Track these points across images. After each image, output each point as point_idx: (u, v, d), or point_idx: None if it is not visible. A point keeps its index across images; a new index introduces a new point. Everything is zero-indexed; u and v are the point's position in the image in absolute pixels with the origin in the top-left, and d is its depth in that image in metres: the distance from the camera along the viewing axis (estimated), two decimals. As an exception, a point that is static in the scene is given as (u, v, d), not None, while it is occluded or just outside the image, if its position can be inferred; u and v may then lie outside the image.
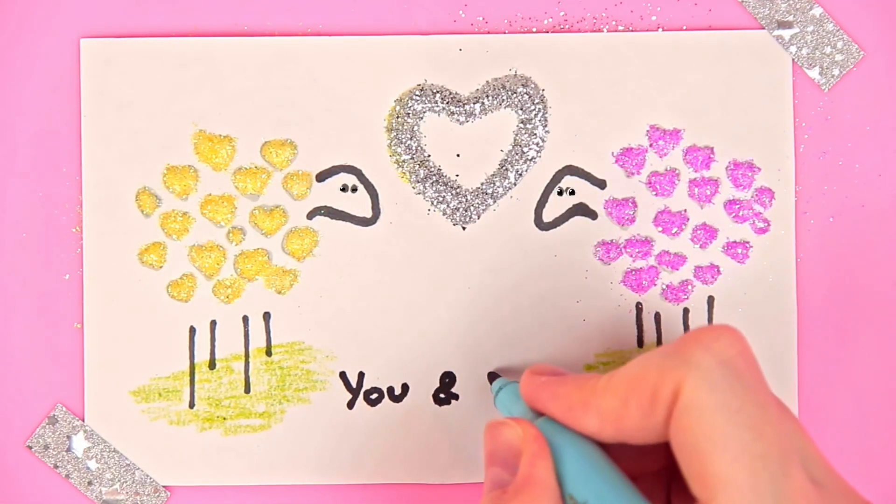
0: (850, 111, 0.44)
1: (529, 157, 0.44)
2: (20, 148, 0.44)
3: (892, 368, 0.44)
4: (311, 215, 0.44)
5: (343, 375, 0.44)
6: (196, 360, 0.44)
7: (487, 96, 0.43)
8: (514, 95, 0.43)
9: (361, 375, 0.44)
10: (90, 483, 0.44)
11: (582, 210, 0.44)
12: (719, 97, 0.43)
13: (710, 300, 0.44)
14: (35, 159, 0.44)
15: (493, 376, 0.43)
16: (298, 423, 0.44)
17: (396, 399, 0.44)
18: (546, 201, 0.44)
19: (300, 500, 0.44)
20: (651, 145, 0.44)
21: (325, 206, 0.44)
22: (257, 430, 0.44)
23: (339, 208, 0.44)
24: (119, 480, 0.43)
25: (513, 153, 0.44)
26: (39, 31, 0.44)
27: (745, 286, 0.44)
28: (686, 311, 0.44)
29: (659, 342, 0.44)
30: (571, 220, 0.44)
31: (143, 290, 0.44)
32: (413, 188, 0.44)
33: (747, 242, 0.44)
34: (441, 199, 0.44)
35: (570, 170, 0.44)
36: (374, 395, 0.44)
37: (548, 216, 0.44)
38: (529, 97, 0.43)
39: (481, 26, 0.44)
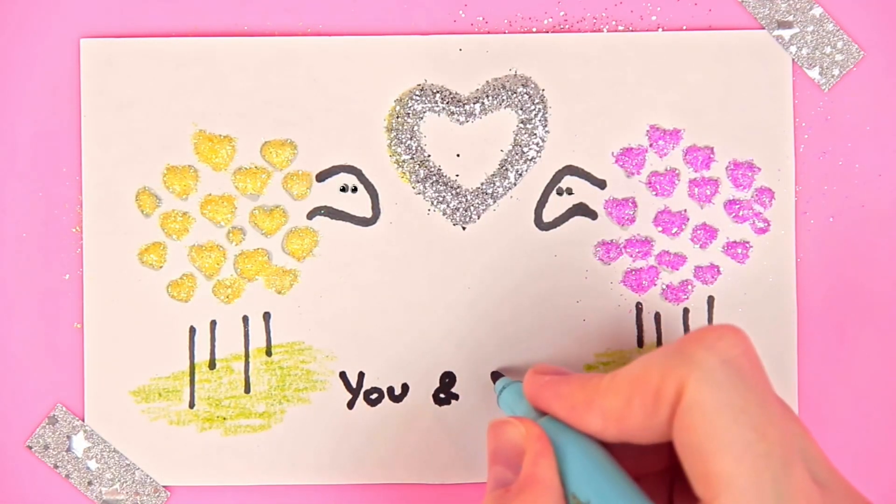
0: (850, 111, 0.44)
1: (529, 157, 0.44)
2: (20, 148, 0.44)
3: (892, 368, 0.44)
4: (311, 215, 0.44)
5: (343, 375, 0.44)
6: (196, 360, 0.44)
7: (487, 96, 0.43)
8: (514, 95, 0.43)
9: (361, 375, 0.44)
10: (90, 483, 0.44)
11: (582, 210, 0.44)
12: (719, 97, 0.43)
13: (710, 300, 0.44)
14: (35, 159, 0.44)
15: (496, 376, 0.43)
16: (298, 423, 0.44)
17: (396, 399, 0.44)
18: (546, 201, 0.44)
19: (300, 500, 0.44)
20: (651, 145, 0.44)
21: (325, 206, 0.44)
22: (257, 430, 0.44)
23: (339, 208, 0.44)
24: (119, 480, 0.43)
25: (513, 153, 0.44)
26: (39, 31, 0.44)
27: (745, 286, 0.44)
28: (686, 311, 0.44)
29: (659, 342, 0.44)
30: (571, 220, 0.44)
31: (143, 290, 0.44)
32: (413, 188, 0.44)
33: (747, 242, 0.44)
34: (441, 199, 0.44)
35: (570, 170, 0.44)
36: (374, 395, 0.44)
37: (548, 216, 0.44)
38: (529, 97, 0.43)
39: (481, 26, 0.44)
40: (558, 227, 0.44)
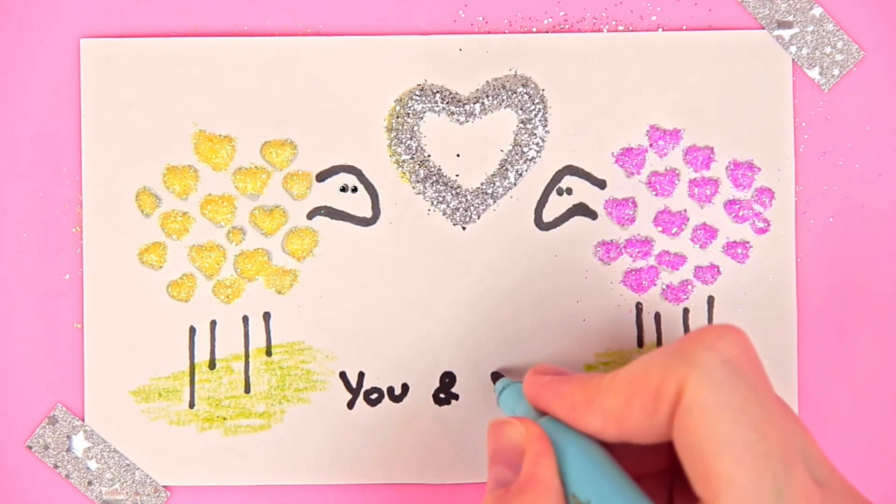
0: (850, 111, 0.44)
1: (529, 157, 0.44)
2: (20, 148, 0.44)
3: (891, 368, 0.44)
4: (311, 215, 0.44)
5: (343, 375, 0.44)
6: (196, 360, 0.44)
7: (487, 96, 0.43)
8: (514, 95, 0.43)
9: (361, 375, 0.44)
10: (90, 483, 0.44)
11: (582, 210, 0.44)
12: (719, 97, 0.43)
13: (710, 300, 0.44)
14: (35, 159, 0.44)
15: (496, 376, 0.43)
16: (298, 423, 0.44)
17: (396, 399, 0.44)
18: (546, 201, 0.44)
19: (300, 500, 0.44)
20: (651, 145, 0.44)
21: (325, 206, 0.44)
22: (257, 430, 0.44)
23: (339, 208, 0.44)
24: (119, 480, 0.43)
25: (513, 153, 0.44)
26: (39, 31, 0.44)
27: (745, 286, 0.44)
28: (686, 311, 0.44)
29: (659, 342, 0.44)
30: (571, 220, 0.44)
31: (143, 290, 0.44)
32: (413, 188, 0.44)
33: (747, 242, 0.44)
34: (441, 199, 0.44)
35: (570, 170, 0.44)
36: (374, 395, 0.44)
37: (548, 216, 0.44)
38: (529, 97, 0.43)
39: (481, 26, 0.44)
40: (558, 227, 0.44)
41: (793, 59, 0.44)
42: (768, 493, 0.27)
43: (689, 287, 0.44)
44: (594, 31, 0.44)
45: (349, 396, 0.44)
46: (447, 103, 0.43)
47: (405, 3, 0.44)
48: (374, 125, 0.44)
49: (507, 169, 0.44)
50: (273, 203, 0.44)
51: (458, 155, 0.44)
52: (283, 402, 0.43)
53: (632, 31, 0.44)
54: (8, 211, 0.44)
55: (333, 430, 0.44)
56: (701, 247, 0.44)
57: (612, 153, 0.44)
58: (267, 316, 0.44)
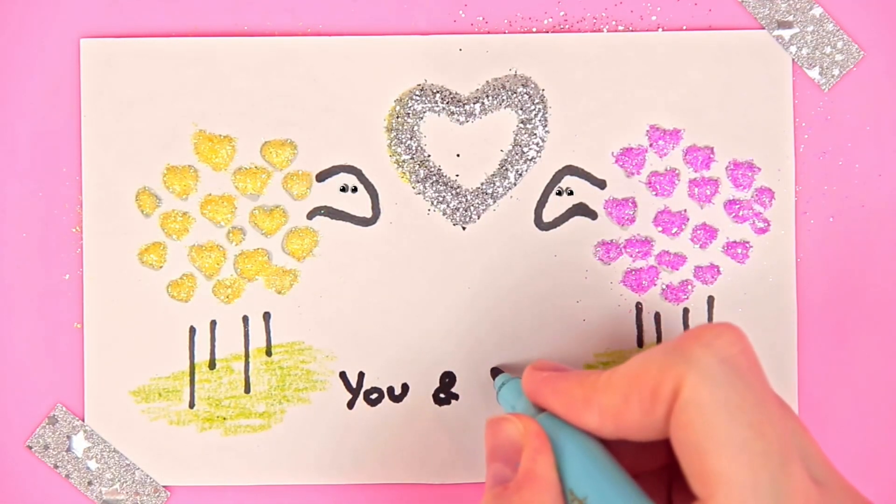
0: (850, 111, 0.44)
1: (529, 157, 0.44)
2: (20, 148, 0.44)
3: (891, 368, 0.44)
4: (311, 215, 0.44)
5: (343, 375, 0.44)
6: (196, 360, 0.44)
7: (487, 96, 0.43)
8: (514, 95, 0.43)
9: (361, 375, 0.44)
10: (90, 483, 0.44)
11: (582, 210, 0.44)
12: (719, 97, 0.43)
13: (710, 300, 0.44)
14: (35, 159, 0.44)
15: (495, 372, 0.43)
16: (298, 423, 0.44)
17: (396, 399, 0.44)
18: (546, 201, 0.44)
19: (300, 500, 0.44)
20: (651, 145, 0.44)
21: (325, 206, 0.44)
22: (257, 430, 0.44)
23: (339, 208, 0.44)
24: (119, 480, 0.43)
25: (513, 153, 0.44)
26: (39, 31, 0.44)
27: (745, 286, 0.44)
28: (686, 311, 0.44)
29: (659, 342, 0.44)
30: (571, 220, 0.44)
31: (143, 290, 0.44)
32: (413, 188, 0.44)
33: (747, 242, 0.44)
34: (441, 199, 0.44)
35: (570, 170, 0.44)
36: (374, 395, 0.44)
37: (548, 216, 0.44)
38: (529, 97, 0.43)
39: (481, 26, 0.44)
40: (558, 227, 0.44)
41: (793, 59, 0.44)
42: (765, 491, 0.27)
43: (689, 287, 0.44)
44: (594, 31, 0.44)
45: (349, 396, 0.44)
46: (447, 103, 0.44)
47: (405, 3, 0.44)
48: (374, 125, 0.44)
49: (507, 169, 0.44)
50: (273, 203, 0.44)
51: (458, 155, 0.44)
52: (283, 402, 0.43)
53: (632, 31, 0.44)
54: (8, 211, 0.44)
55: (333, 430, 0.44)
56: (701, 247, 0.44)
57: (612, 153, 0.44)
58: (267, 316, 0.44)
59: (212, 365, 0.44)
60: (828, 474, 0.31)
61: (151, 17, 0.44)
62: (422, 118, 0.44)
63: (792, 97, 0.44)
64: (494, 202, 0.44)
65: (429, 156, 0.44)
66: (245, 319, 0.44)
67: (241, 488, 0.44)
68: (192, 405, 0.44)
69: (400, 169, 0.44)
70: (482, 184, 0.44)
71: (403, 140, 0.44)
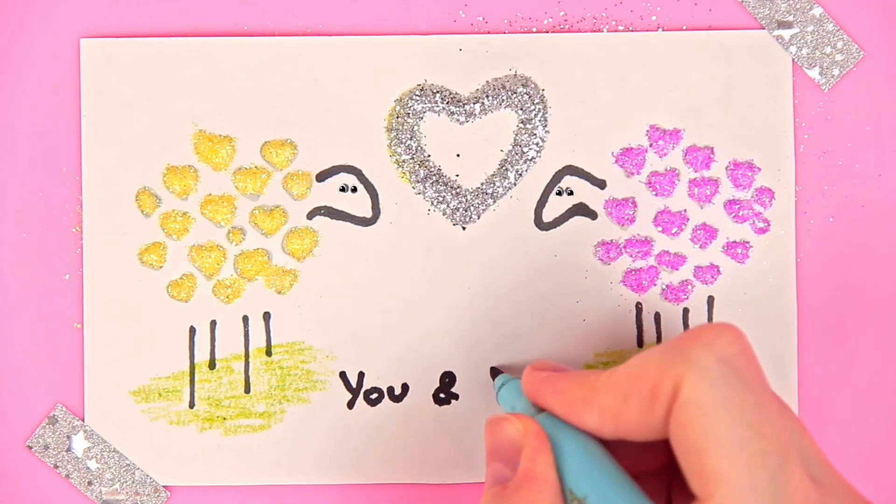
0: (850, 111, 0.44)
1: (529, 157, 0.44)
2: (20, 148, 0.44)
3: (891, 368, 0.44)
4: (311, 215, 0.44)
5: (343, 375, 0.44)
6: (196, 360, 0.44)
7: (487, 96, 0.43)
8: (514, 95, 0.43)
9: (361, 375, 0.44)
10: (90, 483, 0.44)
11: (582, 210, 0.44)
12: (719, 97, 0.43)
13: (710, 300, 0.44)
14: (35, 159, 0.44)
15: (495, 372, 0.43)
16: (298, 423, 0.44)
17: (396, 399, 0.44)
18: (546, 201, 0.44)
19: (300, 500, 0.44)
20: (651, 145, 0.44)
21: (325, 206, 0.44)
22: (257, 430, 0.44)
23: (339, 208, 0.44)
24: (119, 480, 0.43)
25: (513, 153, 0.44)
26: (39, 31, 0.44)
27: (745, 286, 0.44)
28: (686, 311, 0.44)
29: (659, 342, 0.44)
30: (571, 220, 0.44)
31: (143, 290, 0.44)
32: (413, 188, 0.44)
33: (747, 242, 0.44)
34: (441, 199, 0.44)
35: (570, 170, 0.44)
36: (374, 395, 0.44)
37: (548, 216, 0.44)
38: (529, 97, 0.43)
39: (481, 26, 0.44)
40: (558, 227, 0.44)
41: (793, 59, 0.44)
42: (764, 490, 0.27)
43: (689, 287, 0.44)
44: (594, 31, 0.44)
45: (349, 396, 0.44)
46: (447, 103, 0.44)
47: (405, 3, 0.44)
48: (374, 125, 0.44)
49: (507, 169, 0.44)
50: (273, 203, 0.44)
51: (458, 155, 0.44)
52: (283, 402, 0.43)
53: (632, 31, 0.44)
54: (8, 211, 0.44)
55: (333, 429, 0.44)
56: (701, 247, 0.44)
57: (612, 153, 0.44)
58: (267, 316, 0.44)
59: (212, 365, 0.44)
60: (827, 474, 0.31)
61: (151, 17, 0.44)
62: (422, 118, 0.44)
63: (792, 97, 0.44)
64: (494, 202, 0.44)
65: (429, 156, 0.44)
66: (245, 319, 0.44)
67: (241, 488, 0.44)
68: (192, 405, 0.44)
69: (400, 169, 0.44)
70: (482, 184, 0.44)
71: (403, 140, 0.44)
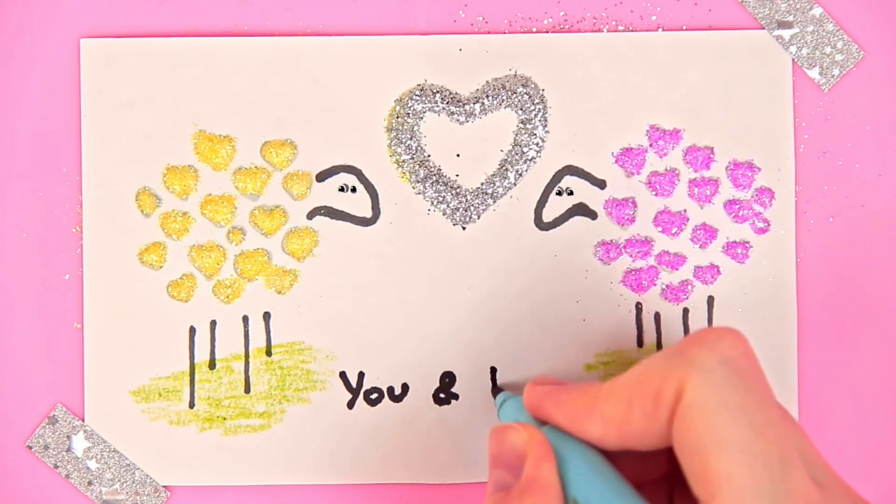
0: (850, 111, 0.44)
1: (529, 157, 0.44)
2: (20, 148, 0.44)
3: (892, 369, 0.44)
4: (311, 215, 0.44)
5: (343, 375, 0.44)
6: (196, 360, 0.44)
7: (487, 96, 0.43)
8: (514, 95, 0.43)
9: (361, 375, 0.44)
10: (90, 483, 0.44)
11: (582, 210, 0.44)
12: (719, 97, 0.43)
13: (710, 300, 0.44)
14: (35, 159, 0.44)
15: (496, 391, 0.43)
16: (298, 423, 0.44)
17: (396, 399, 0.44)
18: (546, 201, 0.44)
19: (300, 500, 0.44)
20: (651, 145, 0.44)
21: (325, 206, 0.44)
22: (257, 430, 0.44)
23: (339, 208, 0.44)
24: (119, 480, 0.43)
25: (513, 153, 0.44)
26: (39, 31, 0.44)
27: (745, 286, 0.44)
28: (686, 311, 0.44)
29: (659, 342, 0.44)
30: (571, 220, 0.44)
31: (143, 290, 0.44)
32: (413, 188, 0.44)
33: (747, 242, 0.44)
34: (441, 199, 0.44)
35: (570, 170, 0.44)
36: (374, 395, 0.44)
37: (548, 216, 0.44)
38: (529, 97, 0.43)
39: (481, 26, 0.44)
40: (558, 227, 0.44)
41: (793, 59, 0.44)
42: (765, 492, 0.27)
43: (689, 287, 0.44)
44: (594, 31, 0.44)
45: (349, 396, 0.44)
46: (447, 103, 0.43)
47: (405, 3, 0.44)
48: (374, 125, 0.44)
49: (507, 169, 0.44)
50: (273, 203, 0.44)
51: (458, 155, 0.44)
52: (283, 402, 0.43)
53: (632, 31, 0.44)
54: (8, 211, 0.44)
55: (333, 430, 0.44)
56: (701, 247, 0.44)
57: (612, 153, 0.44)
58: (267, 316, 0.44)
59: (212, 365, 0.44)
60: (828, 478, 0.31)
61: (151, 17, 0.44)
62: (422, 118, 0.44)
63: (792, 97, 0.44)
64: (494, 202, 0.44)
65: (429, 156, 0.44)
66: (245, 319, 0.44)
67: (241, 488, 0.44)
68: (192, 405, 0.44)
69: (400, 169, 0.44)
70: (482, 184, 0.44)
71: (403, 140, 0.44)
